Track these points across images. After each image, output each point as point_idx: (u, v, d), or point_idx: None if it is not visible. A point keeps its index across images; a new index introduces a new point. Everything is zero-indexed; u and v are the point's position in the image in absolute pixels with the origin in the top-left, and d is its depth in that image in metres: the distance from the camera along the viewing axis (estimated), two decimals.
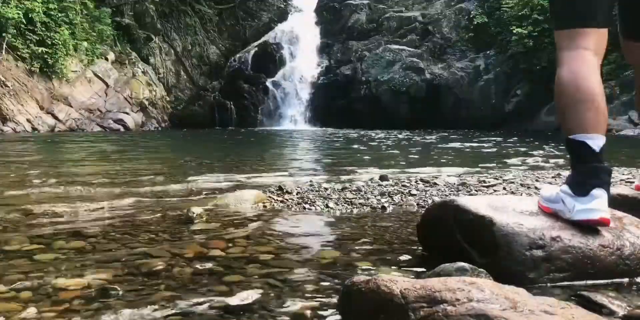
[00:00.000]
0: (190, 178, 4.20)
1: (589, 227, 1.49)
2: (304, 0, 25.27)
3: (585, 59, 1.56)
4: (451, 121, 19.37)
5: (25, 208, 2.71)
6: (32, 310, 1.23)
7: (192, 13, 23.54)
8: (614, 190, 1.97)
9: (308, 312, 1.23)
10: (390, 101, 20.73)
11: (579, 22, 1.58)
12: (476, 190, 3.20)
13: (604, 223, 1.46)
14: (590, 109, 1.51)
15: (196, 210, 2.39)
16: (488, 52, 21.41)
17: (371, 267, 1.61)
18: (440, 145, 9.98)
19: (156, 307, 1.26)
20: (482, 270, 1.35)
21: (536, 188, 3.20)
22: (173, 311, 1.24)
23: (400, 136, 13.74)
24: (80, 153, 7.91)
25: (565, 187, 1.51)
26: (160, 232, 2.10)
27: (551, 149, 8.58)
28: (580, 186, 1.47)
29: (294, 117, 21.75)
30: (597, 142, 1.48)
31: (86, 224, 2.31)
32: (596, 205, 1.45)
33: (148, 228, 2.19)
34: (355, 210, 2.67)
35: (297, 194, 3.06)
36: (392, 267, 1.61)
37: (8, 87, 15.74)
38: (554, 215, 1.55)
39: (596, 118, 1.51)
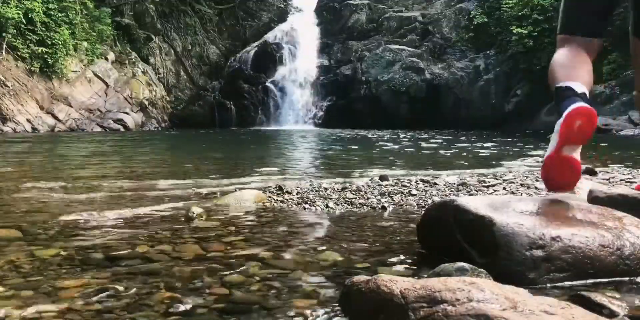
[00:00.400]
0: (190, 178, 4.20)
1: (589, 226, 1.49)
2: (304, 0, 25.29)
3: (573, 49, 1.91)
4: (451, 121, 19.40)
5: (25, 208, 2.71)
6: (32, 310, 1.23)
7: (192, 13, 23.55)
8: (614, 190, 1.97)
9: (308, 312, 1.23)
10: (390, 101, 20.75)
11: (569, 31, 1.99)
12: (476, 190, 3.20)
13: (588, 113, 1.60)
14: (576, 68, 1.82)
15: (196, 210, 2.39)
16: (488, 52, 21.44)
17: (371, 267, 1.61)
18: (439, 145, 9.98)
19: (156, 307, 1.26)
20: (482, 270, 1.35)
21: (536, 188, 3.20)
22: (173, 311, 1.24)
23: (400, 136, 13.75)
24: (80, 153, 7.91)
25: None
26: (160, 232, 2.10)
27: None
28: (563, 108, 1.64)
29: (294, 117, 21.76)
30: (581, 88, 1.70)
31: (86, 223, 2.31)
32: (576, 103, 1.62)
33: (148, 228, 2.19)
34: (355, 210, 2.67)
35: (297, 194, 3.06)
36: (392, 267, 1.61)
37: (8, 87, 15.75)
38: (555, 213, 1.55)
39: (582, 74, 1.78)
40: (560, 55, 1.89)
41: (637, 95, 2.15)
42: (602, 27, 1.98)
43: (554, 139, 1.64)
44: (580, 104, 1.60)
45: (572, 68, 1.79)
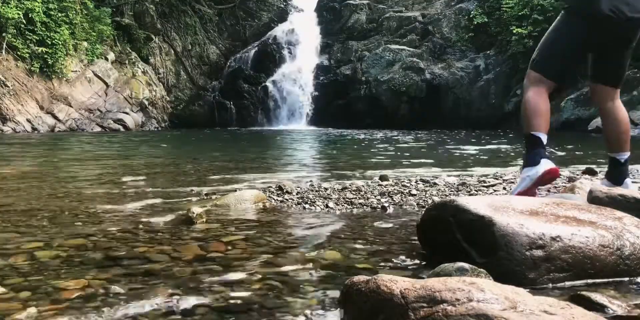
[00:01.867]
0: (190, 178, 4.20)
1: (589, 226, 1.50)
2: (304, 0, 25.26)
3: (541, 92, 2.46)
4: (451, 121, 19.37)
5: (24, 208, 2.71)
6: (32, 310, 1.23)
7: (192, 13, 23.53)
8: (614, 190, 1.98)
9: (308, 312, 1.23)
10: (390, 101, 20.72)
11: (545, 74, 2.47)
12: (476, 190, 3.20)
13: (556, 172, 2.35)
14: (543, 119, 2.43)
15: (196, 210, 2.39)
16: (488, 52, 21.39)
17: (371, 267, 1.61)
18: (439, 145, 9.98)
19: (156, 307, 1.26)
20: (482, 270, 1.35)
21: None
22: (173, 311, 1.24)
23: (400, 136, 13.74)
24: (80, 153, 7.91)
25: (523, 169, 2.41)
26: (160, 232, 2.10)
27: (551, 149, 8.58)
28: (533, 160, 2.36)
29: (294, 117, 21.75)
30: (545, 138, 2.42)
31: (86, 223, 2.31)
32: (547, 164, 2.34)
33: (148, 228, 2.19)
34: (355, 210, 2.67)
35: (297, 194, 3.06)
36: (392, 267, 1.61)
37: (8, 87, 15.73)
38: (555, 213, 1.56)
39: (546, 125, 2.44)
40: (534, 100, 2.44)
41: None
42: (570, 75, 2.56)
43: (526, 181, 2.34)
44: (549, 165, 2.31)
45: (544, 119, 2.41)
